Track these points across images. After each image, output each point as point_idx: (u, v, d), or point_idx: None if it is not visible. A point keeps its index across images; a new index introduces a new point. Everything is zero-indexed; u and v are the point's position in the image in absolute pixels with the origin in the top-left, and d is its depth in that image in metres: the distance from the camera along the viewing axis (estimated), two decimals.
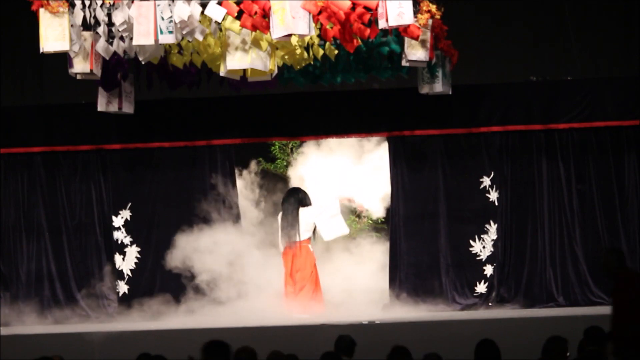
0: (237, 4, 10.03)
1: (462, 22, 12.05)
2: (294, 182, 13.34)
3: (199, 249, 12.67)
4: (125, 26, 10.18)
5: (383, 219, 13.53)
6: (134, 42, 10.13)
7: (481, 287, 12.59)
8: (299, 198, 12.61)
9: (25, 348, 10.55)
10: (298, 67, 11.23)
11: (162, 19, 9.96)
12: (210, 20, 10.28)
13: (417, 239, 12.71)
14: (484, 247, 12.64)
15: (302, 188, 12.84)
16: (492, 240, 12.62)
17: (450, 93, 11.79)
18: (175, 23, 9.98)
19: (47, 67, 12.65)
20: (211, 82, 11.68)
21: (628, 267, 7.39)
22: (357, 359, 8.09)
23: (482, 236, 12.65)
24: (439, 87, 11.62)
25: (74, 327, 12.25)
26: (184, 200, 12.90)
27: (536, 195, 12.62)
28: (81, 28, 10.39)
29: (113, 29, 10.40)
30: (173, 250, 12.65)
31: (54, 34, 10.09)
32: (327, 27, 10.20)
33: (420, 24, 10.42)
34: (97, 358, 10.78)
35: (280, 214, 12.72)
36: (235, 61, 10.44)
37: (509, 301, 12.52)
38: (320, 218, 12.54)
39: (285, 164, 13.82)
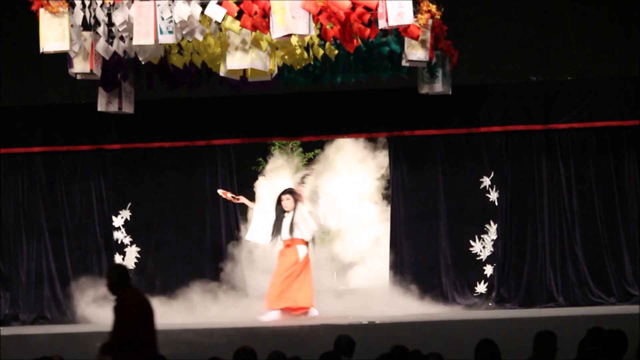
0: (237, 4, 10.04)
1: (462, 22, 12.05)
2: None
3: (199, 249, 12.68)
4: (125, 26, 10.18)
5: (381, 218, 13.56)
6: (134, 42, 10.13)
7: (481, 287, 12.59)
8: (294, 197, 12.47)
9: (25, 348, 10.55)
10: (298, 67, 11.23)
11: (162, 19, 9.97)
12: (210, 20, 10.28)
13: (417, 239, 12.71)
14: (484, 247, 12.63)
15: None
16: (492, 240, 12.62)
17: (450, 93, 11.80)
18: (175, 23, 9.99)
19: (47, 67, 12.65)
20: (211, 82, 11.69)
21: (131, 284, 7.60)
22: (356, 359, 8.09)
23: (482, 236, 12.64)
24: (439, 87, 11.64)
25: (74, 327, 12.24)
26: (184, 200, 12.91)
27: (536, 195, 12.61)
28: (81, 28, 10.39)
29: (113, 29, 10.41)
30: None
31: (54, 34, 10.09)
32: (327, 27, 10.20)
33: (420, 24, 10.43)
34: (97, 358, 10.75)
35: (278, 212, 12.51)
36: (235, 61, 10.45)
37: (509, 301, 12.51)
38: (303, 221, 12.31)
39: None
